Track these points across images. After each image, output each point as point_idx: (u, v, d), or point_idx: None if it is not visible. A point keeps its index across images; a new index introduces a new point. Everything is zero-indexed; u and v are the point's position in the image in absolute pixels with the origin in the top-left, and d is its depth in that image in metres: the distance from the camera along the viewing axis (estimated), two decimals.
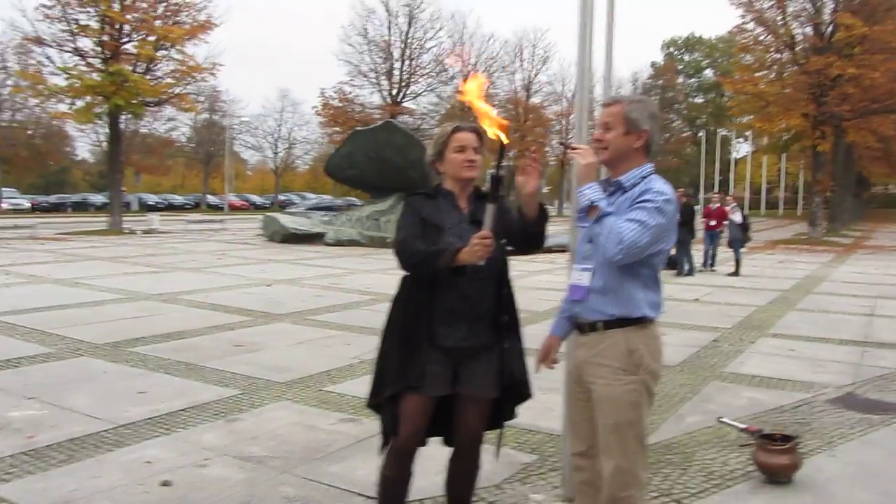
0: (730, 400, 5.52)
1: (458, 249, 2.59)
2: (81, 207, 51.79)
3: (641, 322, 2.56)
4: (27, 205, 49.33)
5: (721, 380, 6.14)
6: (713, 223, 15.74)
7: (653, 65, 74.26)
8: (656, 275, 2.61)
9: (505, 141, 2.55)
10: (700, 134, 68.15)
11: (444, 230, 2.76)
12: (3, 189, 49.05)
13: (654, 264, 2.57)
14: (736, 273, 14.71)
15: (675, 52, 76.24)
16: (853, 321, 9.24)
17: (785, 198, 64.64)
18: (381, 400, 2.83)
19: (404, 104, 44.08)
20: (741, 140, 64.87)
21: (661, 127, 2.63)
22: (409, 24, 43.22)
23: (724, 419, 4.65)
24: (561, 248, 13.42)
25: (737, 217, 15.70)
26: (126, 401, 5.18)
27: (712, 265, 15.75)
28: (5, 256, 16.15)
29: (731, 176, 62.19)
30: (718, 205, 16.05)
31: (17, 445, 4.24)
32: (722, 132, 61.55)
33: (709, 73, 71.64)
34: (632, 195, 2.51)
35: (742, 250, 15.57)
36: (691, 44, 75.24)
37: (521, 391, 2.90)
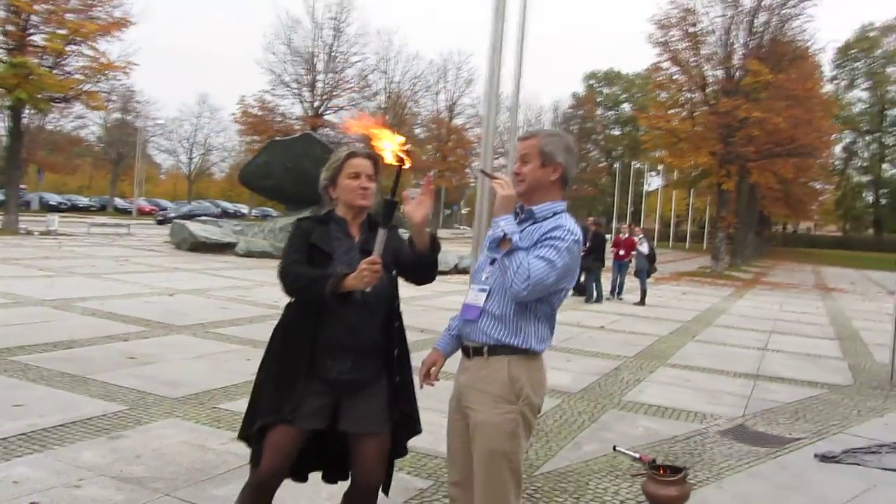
0: (627, 429, 5.62)
1: (344, 275, 2.51)
2: None
3: (527, 353, 2.56)
4: None
5: (619, 408, 6.26)
6: (622, 253, 16.20)
7: (574, 95, 76.45)
8: (552, 311, 2.62)
9: (407, 164, 2.50)
10: (615, 165, 70.36)
11: (334, 258, 2.66)
12: None
13: (552, 302, 2.58)
14: (641, 302, 15.15)
15: (596, 85, 78.77)
16: (747, 354, 9.63)
17: (692, 232, 67.28)
18: (251, 432, 2.69)
19: (326, 117, 43.66)
20: (653, 173, 67.29)
21: (578, 158, 2.67)
22: (335, 38, 43.02)
23: (619, 448, 4.72)
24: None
25: (644, 248, 16.19)
26: (1, 414, 4.84)
27: (619, 294, 16.17)
28: None
29: (643, 208, 64.40)
30: (627, 235, 16.53)
31: None
32: (636, 165, 63.68)
33: (626, 106, 74.27)
34: (541, 227, 2.53)
35: (648, 280, 16.06)
36: (611, 77, 77.91)
37: (410, 426, 2.82)
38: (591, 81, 78.48)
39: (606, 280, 15.85)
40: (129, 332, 8.03)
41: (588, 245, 15.61)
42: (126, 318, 8.95)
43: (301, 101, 43.30)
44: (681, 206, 67.13)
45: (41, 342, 7.16)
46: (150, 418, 5.00)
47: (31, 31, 24.38)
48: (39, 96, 24.14)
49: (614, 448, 4.78)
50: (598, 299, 14.99)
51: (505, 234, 2.45)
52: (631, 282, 16.52)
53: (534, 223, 2.57)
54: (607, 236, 16.72)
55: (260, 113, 42.27)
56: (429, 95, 53.69)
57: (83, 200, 58.98)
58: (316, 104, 42.90)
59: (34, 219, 31.06)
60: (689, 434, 5.57)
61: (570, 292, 11.72)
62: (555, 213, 2.58)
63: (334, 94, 43.62)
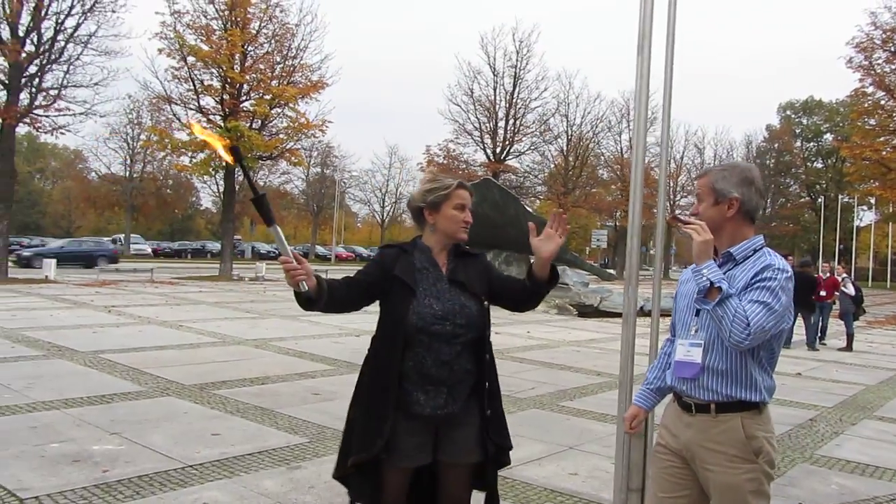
0: (818, 486, 5.13)
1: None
2: (200, 254, 54.90)
3: (758, 406, 2.42)
4: (149, 250, 52.73)
5: (811, 462, 5.72)
6: (823, 294, 14.89)
7: (768, 128, 72.08)
8: (773, 357, 2.47)
9: (229, 160, 2.49)
10: (819, 200, 65.17)
11: (417, 292, 2.66)
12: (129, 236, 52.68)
13: (773, 346, 2.44)
14: (848, 348, 13.81)
15: (793, 115, 73.70)
16: None
17: None
18: (347, 471, 2.68)
19: (507, 162, 44.54)
20: (864, 207, 61.55)
21: (768, 190, 2.50)
22: (515, 85, 43.91)
23: None
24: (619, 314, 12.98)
25: (849, 288, 14.80)
26: (200, 442, 5.36)
27: (822, 338, 14.84)
28: (122, 298, 17.23)
29: (854, 245, 58.84)
30: (829, 275, 15.21)
31: (92, 478, 4.45)
32: (843, 198, 58.59)
33: (828, 136, 68.78)
34: (745, 269, 2.41)
35: (856, 324, 14.61)
36: (810, 107, 72.57)
37: (500, 458, 2.79)
38: (788, 112, 73.64)
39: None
40: (316, 370, 8.59)
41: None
42: (315, 356, 9.58)
43: (483, 148, 44.52)
44: None
45: (239, 377, 7.85)
46: (326, 451, 5.29)
47: (242, 98, 27.24)
48: (249, 156, 26.79)
49: None
50: (812, 344, 13.91)
51: (712, 283, 2.32)
52: (838, 325, 15.13)
53: (735, 265, 2.45)
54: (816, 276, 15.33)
55: (445, 161, 43.91)
56: (611, 135, 53.13)
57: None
58: (497, 150, 43.89)
59: (246, 266, 34.25)
60: (893, 496, 4.97)
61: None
62: (755, 251, 2.44)
63: (515, 139, 44.46)
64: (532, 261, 2.76)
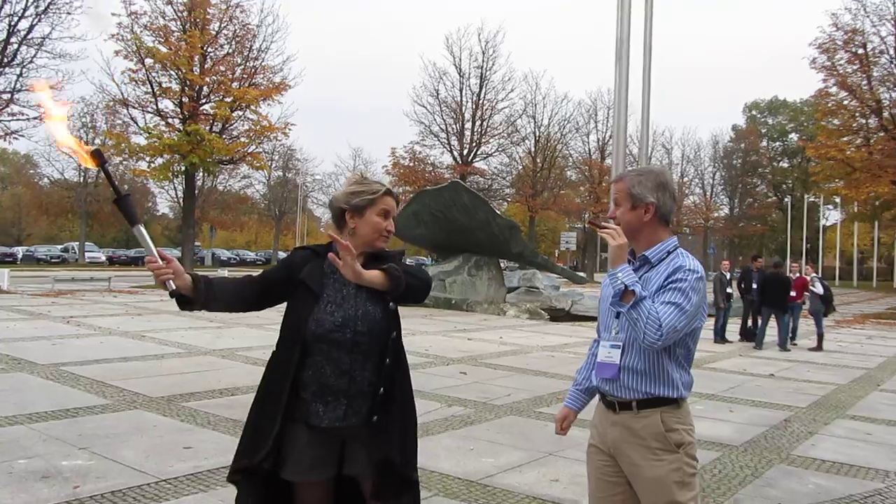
0: (795, 486, 5.27)
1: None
2: None
3: (676, 402, 2.55)
4: (104, 258, 51.81)
5: (787, 463, 5.88)
6: (793, 294, 15.23)
7: (734, 127, 73.46)
8: (689, 354, 2.59)
9: (92, 165, 2.49)
10: (786, 200, 66.56)
11: (321, 298, 2.62)
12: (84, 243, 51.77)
13: (688, 344, 2.56)
14: (818, 347, 14.15)
15: (759, 115, 75.26)
16: None
17: (879, 269, 62.06)
18: (235, 477, 2.63)
19: (475, 164, 44.76)
20: (830, 207, 63.02)
21: (674, 195, 2.64)
22: (481, 86, 44.24)
23: None
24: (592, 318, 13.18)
25: (818, 288, 15.17)
26: (172, 455, 5.33)
27: (793, 338, 15.18)
28: (80, 308, 16.95)
29: (821, 244, 60.25)
30: (798, 275, 15.57)
31: (63, 495, 4.41)
32: (809, 198, 59.92)
33: (794, 136, 70.31)
34: (659, 271, 2.53)
35: (825, 323, 14.99)
36: (775, 107, 74.21)
37: (397, 472, 2.57)
38: (753, 112, 75.14)
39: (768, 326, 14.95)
40: None
41: (754, 286, 14.88)
42: None
43: (450, 150, 44.70)
44: (865, 240, 62.30)
45: (208, 389, 7.80)
46: None
47: (202, 101, 27.01)
48: (209, 160, 26.56)
49: None
50: (783, 344, 14.22)
51: (626, 286, 2.44)
52: (807, 325, 15.49)
53: (651, 268, 2.57)
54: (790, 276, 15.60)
55: (411, 164, 44.01)
56: (579, 136, 53.65)
57: (251, 255, 63.62)
58: (465, 152, 44.09)
59: (207, 274, 33.82)
60: (868, 493, 5.13)
61: (738, 338, 11.18)
62: (668, 253, 2.57)
63: (482, 141, 44.72)
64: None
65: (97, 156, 2.43)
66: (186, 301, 2.49)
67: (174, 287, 2.46)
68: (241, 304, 2.67)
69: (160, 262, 2.44)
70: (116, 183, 2.61)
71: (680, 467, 2.49)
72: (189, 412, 6.76)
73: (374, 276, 2.51)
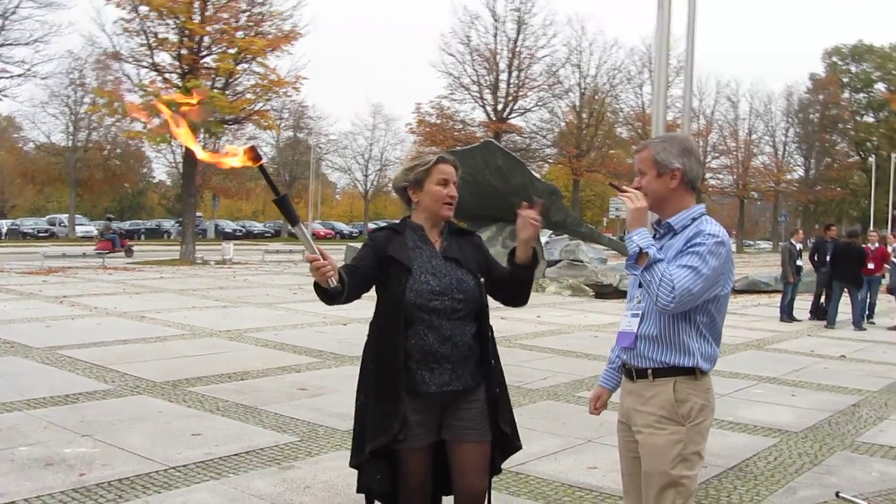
0: (857, 473, 5.47)
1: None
2: (155, 234, 55.07)
3: (693, 373, 2.76)
4: (96, 232, 52.63)
5: (851, 450, 6.07)
6: (871, 266, 15.18)
7: (811, 77, 71.99)
8: (713, 324, 2.80)
9: (248, 164, 2.53)
10: (870, 160, 65.37)
11: (413, 269, 2.98)
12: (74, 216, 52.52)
13: (711, 311, 2.77)
14: None
15: (840, 63, 73.58)
16: None
17: None
18: (364, 459, 2.99)
19: (511, 121, 44.67)
20: None
21: (700, 161, 2.88)
22: (518, 31, 43.99)
23: (842, 494, 4.65)
24: None
25: None
26: (180, 442, 5.67)
27: (870, 317, 15.20)
28: (73, 287, 17.49)
29: None
30: (878, 245, 15.49)
31: (69, 482, 4.75)
32: None
33: (882, 87, 68.78)
34: (683, 237, 2.75)
35: None
36: (860, 52, 72.41)
37: (509, 441, 3.11)
38: (834, 59, 73.58)
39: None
40: (300, 364, 8.90)
41: (827, 259, 14.86)
42: (298, 348, 9.89)
43: (483, 105, 44.62)
44: None
45: (216, 373, 8.16)
46: (319, 450, 5.61)
47: (203, 53, 27.30)
48: (211, 119, 26.88)
49: (837, 494, 4.71)
50: (858, 323, 14.21)
51: (641, 249, 2.67)
52: (888, 301, 15.47)
53: (674, 235, 2.80)
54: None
55: (438, 121, 44.09)
56: (630, 88, 53.21)
57: (258, 226, 64.27)
58: (499, 107, 43.98)
59: (210, 248, 34.49)
60: None
61: (808, 316, 11.28)
62: (693, 220, 2.79)
63: (520, 94, 44.54)
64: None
65: (252, 153, 2.53)
66: (337, 296, 2.79)
67: (335, 283, 2.74)
68: (356, 293, 2.96)
69: (322, 260, 2.69)
70: (273, 184, 2.66)
71: (682, 440, 2.71)
72: (196, 397, 7.11)
73: (529, 245, 3.02)
